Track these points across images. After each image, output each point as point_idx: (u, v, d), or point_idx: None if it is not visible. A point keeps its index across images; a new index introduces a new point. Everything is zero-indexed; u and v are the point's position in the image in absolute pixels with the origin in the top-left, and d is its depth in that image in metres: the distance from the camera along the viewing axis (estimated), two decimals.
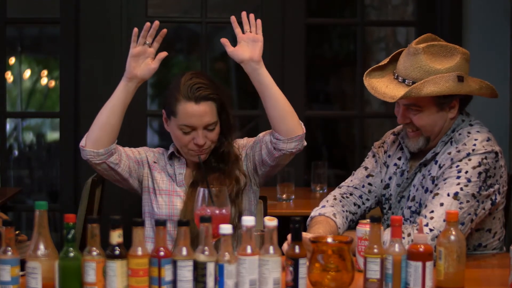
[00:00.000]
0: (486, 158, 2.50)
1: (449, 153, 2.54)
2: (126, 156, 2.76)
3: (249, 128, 5.58)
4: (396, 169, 2.74)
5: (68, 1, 4.34)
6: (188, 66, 7.10)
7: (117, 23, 4.36)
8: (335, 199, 2.76)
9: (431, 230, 2.39)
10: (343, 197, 2.77)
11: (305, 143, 2.71)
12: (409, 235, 2.38)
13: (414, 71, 2.55)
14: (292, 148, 2.68)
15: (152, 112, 4.69)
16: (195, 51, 6.75)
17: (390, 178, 2.76)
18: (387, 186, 2.76)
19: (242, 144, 2.85)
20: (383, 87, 2.63)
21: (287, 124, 2.66)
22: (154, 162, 2.83)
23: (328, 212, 2.68)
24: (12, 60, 6.63)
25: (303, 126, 2.71)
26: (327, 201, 2.75)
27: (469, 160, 2.50)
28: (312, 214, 2.70)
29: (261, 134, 2.79)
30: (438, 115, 2.59)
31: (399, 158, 2.75)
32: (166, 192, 2.79)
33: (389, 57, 2.72)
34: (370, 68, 2.72)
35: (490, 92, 2.61)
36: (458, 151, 2.52)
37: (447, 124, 2.61)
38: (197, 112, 2.68)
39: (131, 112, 4.40)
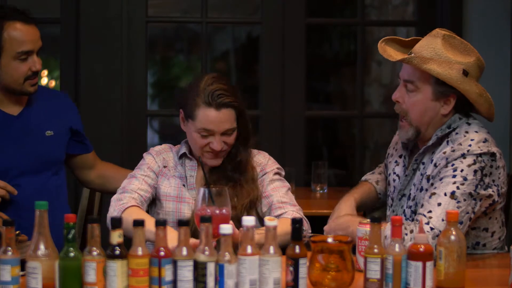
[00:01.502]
0: (481, 156, 2.50)
1: (444, 153, 2.54)
2: (147, 201, 2.72)
3: None
4: (395, 166, 2.76)
5: (68, 1, 4.34)
6: (188, 66, 7.10)
7: (117, 23, 4.36)
8: (380, 171, 2.94)
9: (431, 228, 2.39)
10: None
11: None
12: (411, 231, 2.38)
13: (426, 50, 2.56)
14: None
15: (152, 112, 4.70)
16: (195, 51, 6.76)
17: (389, 175, 2.78)
18: (389, 183, 2.80)
19: (259, 162, 2.78)
20: (393, 52, 2.66)
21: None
22: (164, 167, 2.77)
23: (372, 178, 2.91)
24: None
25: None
26: (378, 167, 2.96)
27: (464, 158, 2.50)
28: (362, 178, 2.96)
29: (275, 203, 2.70)
30: (431, 104, 2.58)
31: (400, 156, 2.76)
32: (174, 198, 2.72)
33: (412, 37, 2.73)
34: (390, 37, 2.73)
35: (487, 105, 2.59)
36: (453, 151, 2.52)
37: (438, 119, 2.60)
38: (217, 118, 2.62)
39: (131, 112, 4.43)
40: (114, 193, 2.83)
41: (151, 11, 4.52)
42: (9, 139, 2.95)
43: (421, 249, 2.02)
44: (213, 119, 2.63)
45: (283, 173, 2.83)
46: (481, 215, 2.58)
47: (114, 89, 4.36)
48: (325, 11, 6.38)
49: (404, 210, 2.67)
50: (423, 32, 2.70)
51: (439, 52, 2.54)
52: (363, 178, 2.94)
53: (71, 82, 4.37)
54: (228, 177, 2.71)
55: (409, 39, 2.72)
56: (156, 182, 2.75)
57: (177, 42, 7.04)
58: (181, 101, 2.72)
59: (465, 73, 2.52)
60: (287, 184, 2.80)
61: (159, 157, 2.79)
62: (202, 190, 2.30)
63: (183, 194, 2.72)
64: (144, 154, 2.83)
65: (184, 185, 2.74)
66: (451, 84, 2.53)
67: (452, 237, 2.08)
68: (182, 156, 2.79)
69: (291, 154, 4.37)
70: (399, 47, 2.71)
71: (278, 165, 2.81)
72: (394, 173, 2.77)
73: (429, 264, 2.02)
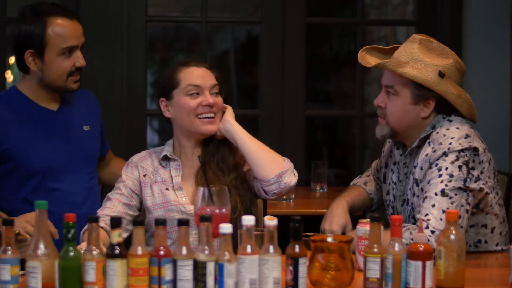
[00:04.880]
0: (463, 151, 2.51)
1: (426, 155, 2.56)
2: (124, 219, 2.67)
3: (249, 130, 5.57)
4: (392, 175, 2.77)
5: (68, 1, 4.34)
6: None
7: (117, 23, 4.36)
8: (368, 174, 2.96)
9: (432, 231, 2.39)
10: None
11: (291, 183, 2.62)
12: (411, 233, 2.40)
13: (404, 55, 2.59)
14: (273, 190, 2.62)
15: (152, 112, 4.69)
16: (195, 50, 6.75)
17: (389, 184, 2.77)
18: (388, 192, 2.79)
19: None
20: (372, 60, 2.69)
21: (262, 171, 2.62)
22: (144, 176, 2.73)
23: (360, 181, 2.94)
24: (12, 60, 6.62)
25: (285, 164, 2.64)
26: (367, 171, 2.97)
27: (446, 156, 2.51)
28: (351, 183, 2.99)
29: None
30: (410, 108, 2.60)
31: (394, 163, 2.76)
32: (160, 205, 2.68)
33: (392, 45, 2.74)
34: (372, 46, 2.76)
35: (467, 106, 2.60)
36: (434, 151, 2.54)
37: (419, 122, 2.62)
38: (200, 73, 2.69)
39: (131, 112, 4.43)
40: None
41: (151, 11, 4.52)
42: (52, 134, 2.92)
43: (421, 249, 2.02)
44: (197, 74, 2.70)
45: None
46: (478, 211, 2.59)
47: (114, 88, 4.36)
48: (325, 10, 6.38)
49: (405, 215, 2.68)
50: (423, 32, 2.70)
51: (415, 56, 2.57)
52: (351, 183, 2.96)
53: None
54: (212, 152, 2.72)
55: (390, 47, 2.75)
56: (135, 197, 2.72)
57: (177, 42, 7.03)
58: (160, 91, 2.76)
59: (441, 74, 2.54)
60: None
61: (136, 169, 2.75)
62: (202, 189, 2.30)
63: (168, 198, 2.68)
64: (123, 169, 2.80)
65: (167, 189, 2.69)
66: (428, 86, 2.55)
67: (452, 237, 2.08)
68: (165, 159, 2.75)
69: (290, 154, 4.34)
70: (380, 55, 2.74)
71: None
72: (393, 181, 2.76)
73: (428, 264, 2.02)
